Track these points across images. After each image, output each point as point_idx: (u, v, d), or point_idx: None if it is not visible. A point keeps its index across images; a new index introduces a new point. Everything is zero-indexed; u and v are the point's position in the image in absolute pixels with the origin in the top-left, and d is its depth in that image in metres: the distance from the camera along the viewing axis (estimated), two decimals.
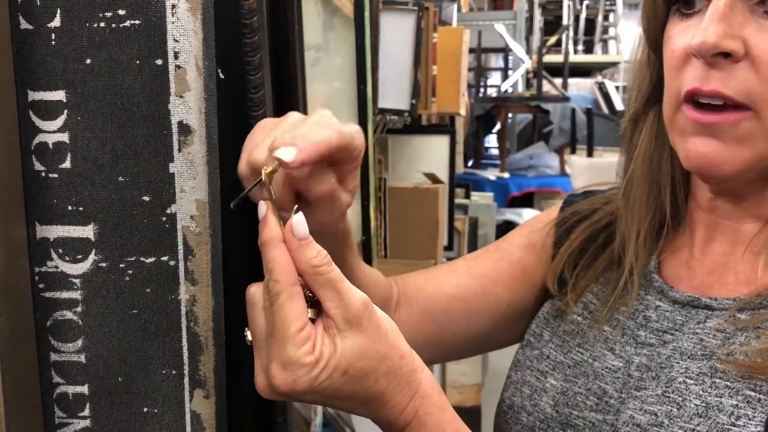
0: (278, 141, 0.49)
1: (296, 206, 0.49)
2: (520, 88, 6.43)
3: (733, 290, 0.64)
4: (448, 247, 2.38)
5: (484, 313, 0.79)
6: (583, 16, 8.31)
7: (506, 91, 6.27)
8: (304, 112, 0.99)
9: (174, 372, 0.50)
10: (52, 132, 0.47)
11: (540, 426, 0.68)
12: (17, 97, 0.46)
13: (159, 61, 0.46)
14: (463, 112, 2.37)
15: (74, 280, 0.49)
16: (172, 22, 0.46)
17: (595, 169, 4.49)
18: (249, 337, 0.51)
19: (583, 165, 4.84)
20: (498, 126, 6.08)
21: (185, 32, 0.46)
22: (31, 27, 0.46)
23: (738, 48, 0.56)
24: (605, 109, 6.32)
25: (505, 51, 6.35)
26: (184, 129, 0.47)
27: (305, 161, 0.49)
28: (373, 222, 1.33)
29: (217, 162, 0.49)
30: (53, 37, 0.46)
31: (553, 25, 7.61)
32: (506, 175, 5.32)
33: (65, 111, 0.47)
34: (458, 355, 0.87)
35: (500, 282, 0.79)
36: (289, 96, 0.98)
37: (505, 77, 6.55)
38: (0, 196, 0.45)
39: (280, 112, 1.03)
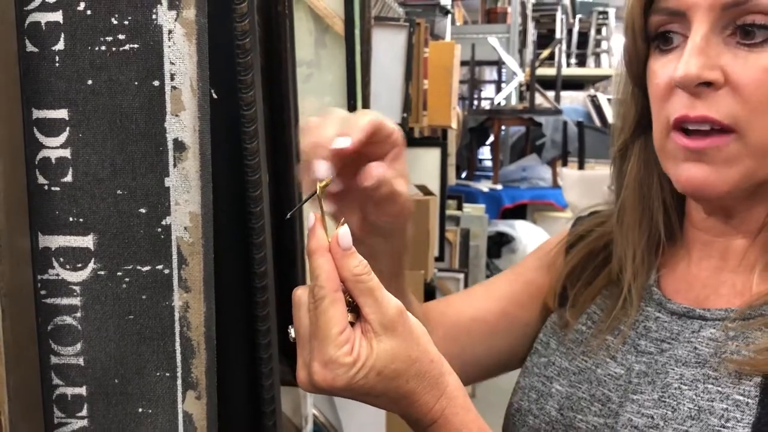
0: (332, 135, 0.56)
1: (342, 219, 0.54)
2: (514, 100, 6.48)
3: (726, 302, 0.67)
4: (439, 258, 2.41)
5: (504, 333, 0.83)
6: (576, 29, 8.39)
7: (499, 103, 6.32)
8: (296, 126, 1.03)
9: (167, 374, 0.53)
10: (54, 148, 0.50)
11: (545, 428, 0.72)
12: (23, 115, 0.49)
13: (156, 83, 0.50)
14: (454, 125, 2.41)
15: (74, 287, 0.52)
16: (169, 46, 0.49)
17: (586, 182, 4.53)
18: (292, 334, 0.55)
19: (575, 177, 4.88)
20: (491, 138, 6.12)
21: (181, 56, 0.49)
22: (36, 50, 0.49)
23: (718, 77, 0.60)
24: (598, 122, 6.37)
25: (498, 64, 6.40)
26: (179, 146, 0.50)
27: (359, 141, 0.56)
28: None
29: (210, 176, 0.52)
30: (57, 60, 0.49)
31: (546, 39, 7.67)
32: (499, 186, 5.36)
33: (67, 128, 0.50)
34: (481, 376, 0.90)
35: (517, 302, 0.83)
36: (280, 111, 1.01)
37: (498, 90, 6.60)
38: (5, 208, 0.48)
39: (272, 126, 1.06)
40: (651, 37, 0.66)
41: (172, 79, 0.50)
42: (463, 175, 5.96)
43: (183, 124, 0.50)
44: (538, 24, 7.63)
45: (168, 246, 0.52)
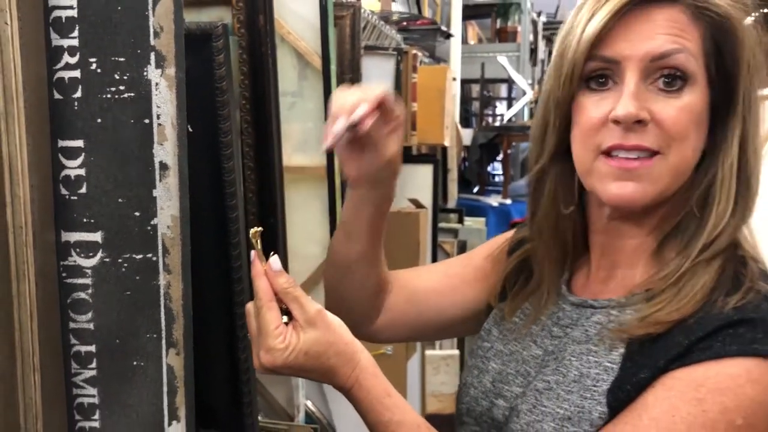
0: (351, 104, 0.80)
1: (272, 251, 0.78)
2: (525, 117, 6.62)
3: (612, 293, 0.84)
4: None
5: (452, 304, 1.01)
6: None
7: (510, 120, 6.47)
8: (279, 147, 1.22)
9: (155, 336, 0.71)
10: (73, 168, 0.69)
11: (481, 397, 0.89)
12: (51, 144, 0.68)
13: (146, 120, 0.68)
14: (447, 143, 2.58)
15: (87, 270, 0.71)
16: (156, 95, 0.68)
17: None
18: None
19: None
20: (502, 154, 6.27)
21: (164, 101, 0.68)
22: (61, 97, 0.68)
23: (647, 116, 0.76)
24: None
25: (508, 82, 6.56)
26: (163, 166, 0.69)
27: (371, 110, 0.80)
28: None
29: (187, 189, 0.71)
30: (76, 104, 0.68)
31: None
32: (508, 201, 5.50)
33: (83, 154, 0.69)
34: (431, 335, 1.11)
35: (466, 282, 1.02)
36: (264, 133, 1.20)
37: (509, 107, 6.76)
38: (38, 212, 0.67)
39: (258, 147, 1.25)
40: (584, 79, 0.78)
41: (158, 118, 0.68)
42: (475, 189, 6.13)
43: (166, 150, 0.69)
44: (548, 42, 7.79)
45: (155, 240, 0.70)
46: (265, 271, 0.76)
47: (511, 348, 0.90)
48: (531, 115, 6.64)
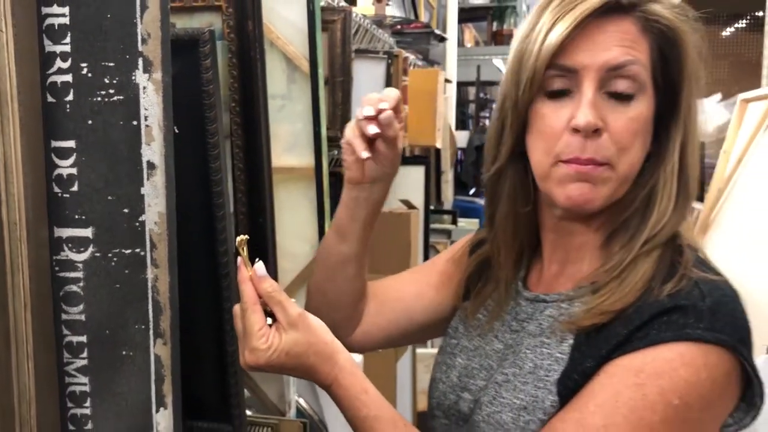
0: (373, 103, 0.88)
1: (257, 258, 0.83)
2: None
3: (562, 286, 0.89)
4: None
5: (421, 311, 1.06)
6: None
7: None
8: (268, 148, 1.25)
9: (143, 327, 0.75)
10: (65, 167, 0.73)
11: (449, 390, 0.94)
12: (44, 145, 0.72)
13: (134, 122, 0.72)
14: (439, 144, 2.62)
15: (78, 265, 0.74)
16: (143, 98, 0.72)
17: None
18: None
19: None
20: None
21: (151, 104, 0.72)
22: (54, 100, 0.72)
23: (603, 125, 0.80)
24: None
25: None
26: (151, 166, 0.73)
27: (391, 107, 0.88)
28: None
29: (174, 187, 0.74)
30: (68, 107, 0.72)
31: None
32: None
33: (74, 154, 0.73)
34: (405, 341, 1.16)
35: (432, 287, 1.06)
36: (254, 135, 1.24)
37: None
38: (31, 209, 0.70)
39: (247, 148, 1.29)
40: (542, 86, 0.82)
41: (145, 120, 0.72)
42: (471, 191, 6.17)
43: (153, 150, 0.73)
44: None
45: (143, 235, 0.74)
46: (250, 276, 0.81)
47: (476, 343, 0.95)
48: None
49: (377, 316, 1.06)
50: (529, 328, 0.88)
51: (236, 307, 0.83)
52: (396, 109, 0.89)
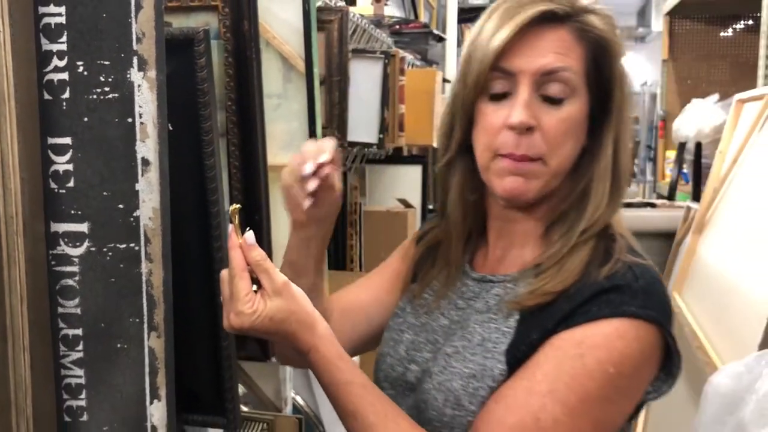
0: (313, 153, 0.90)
1: (248, 227, 0.84)
2: None
3: (507, 269, 0.96)
4: None
5: (377, 314, 1.11)
6: None
7: None
8: (263, 146, 1.27)
9: (137, 320, 0.77)
10: (62, 163, 0.74)
11: (396, 363, 0.99)
12: (41, 141, 0.74)
13: (129, 120, 0.74)
14: (436, 144, 2.62)
15: (74, 259, 0.76)
16: (138, 96, 0.73)
17: None
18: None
19: None
20: None
21: (146, 102, 0.73)
22: (51, 98, 0.74)
23: (536, 124, 0.88)
24: None
25: None
26: (145, 162, 0.74)
27: (329, 159, 0.90)
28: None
29: (168, 183, 0.76)
30: (64, 104, 0.74)
31: None
32: None
33: (71, 150, 0.74)
34: (370, 346, 1.18)
35: (386, 290, 1.12)
36: (249, 133, 1.25)
37: None
38: (28, 204, 0.72)
39: (243, 146, 1.30)
40: (485, 88, 0.90)
41: (140, 117, 0.74)
42: None
43: (148, 147, 0.74)
44: None
45: (138, 230, 0.75)
46: (240, 244, 0.83)
47: (422, 321, 1.01)
48: None
49: (339, 325, 1.10)
50: (476, 306, 0.95)
51: (224, 272, 0.85)
52: (333, 159, 0.92)
